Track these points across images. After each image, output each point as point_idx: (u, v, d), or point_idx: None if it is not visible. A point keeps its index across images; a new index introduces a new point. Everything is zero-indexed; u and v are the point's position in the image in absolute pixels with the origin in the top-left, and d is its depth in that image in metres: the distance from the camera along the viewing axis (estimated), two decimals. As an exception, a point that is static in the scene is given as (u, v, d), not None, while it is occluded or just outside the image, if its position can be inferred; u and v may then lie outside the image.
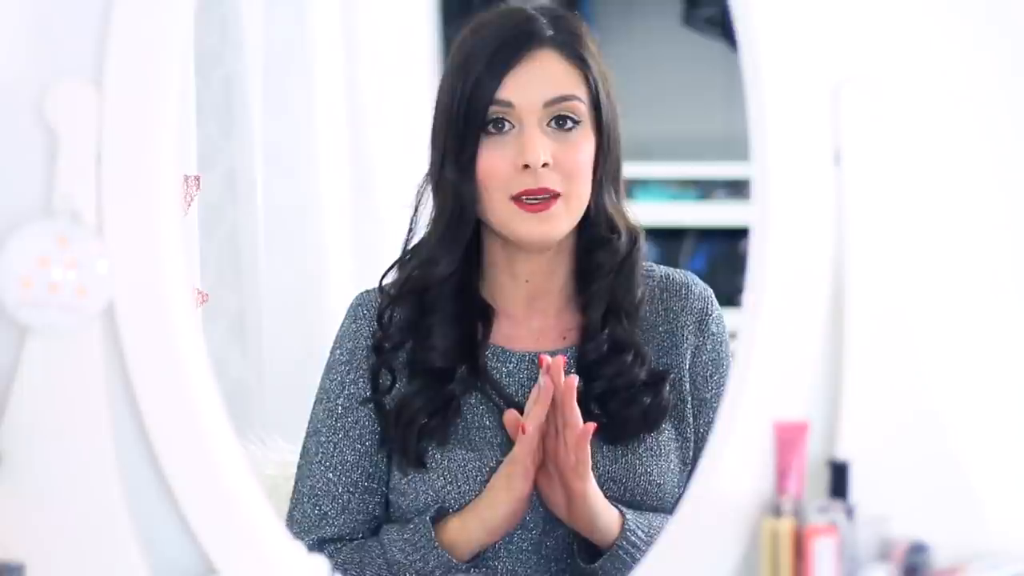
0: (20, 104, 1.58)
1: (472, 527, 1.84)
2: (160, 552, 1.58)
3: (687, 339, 1.95)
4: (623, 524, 1.83)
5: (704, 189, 4.13)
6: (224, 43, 2.65)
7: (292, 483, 1.97)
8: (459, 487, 1.86)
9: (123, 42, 1.56)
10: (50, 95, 1.57)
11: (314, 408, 1.96)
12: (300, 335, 2.76)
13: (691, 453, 1.92)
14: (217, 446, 1.59)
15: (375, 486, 1.92)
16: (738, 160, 3.51)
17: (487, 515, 1.83)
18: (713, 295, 1.98)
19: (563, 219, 1.87)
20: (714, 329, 1.96)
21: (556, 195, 1.85)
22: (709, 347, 1.95)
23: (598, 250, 1.91)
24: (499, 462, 1.85)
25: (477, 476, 1.86)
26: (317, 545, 1.89)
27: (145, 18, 1.56)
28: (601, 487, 1.84)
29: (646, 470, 1.88)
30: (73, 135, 1.56)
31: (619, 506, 1.85)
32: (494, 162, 1.85)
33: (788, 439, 1.52)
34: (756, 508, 1.54)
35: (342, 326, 1.97)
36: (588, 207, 1.89)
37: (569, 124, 1.86)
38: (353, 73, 2.84)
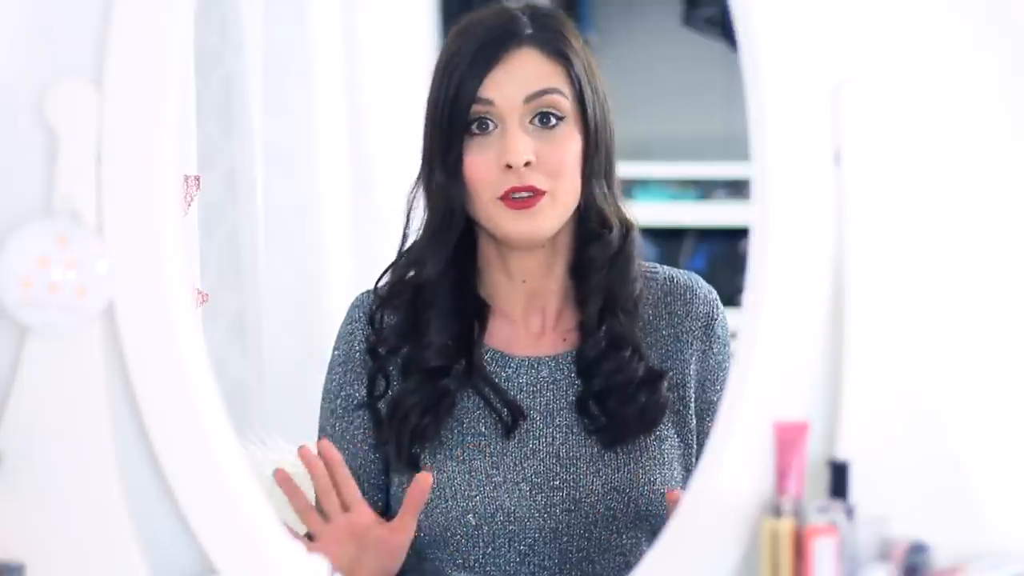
0: (20, 104, 1.58)
1: None
2: (160, 552, 1.58)
3: (692, 344, 1.94)
4: None
5: (704, 189, 4.13)
6: (224, 43, 2.65)
7: (292, 483, 1.98)
8: (447, 502, 1.86)
9: (123, 42, 1.56)
10: (50, 95, 1.57)
11: (320, 407, 1.97)
12: (300, 335, 2.76)
13: (694, 459, 1.92)
14: (217, 446, 1.59)
15: (371, 489, 1.92)
16: (738, 160, 3.51)
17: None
18: (718, 297, 1.97)
19: (550, 215, 1.86)
20: (720, 333, 1.96)
21: (542, 192, 1.85)
22: (716, 351, 1.95)
23: (590, 245, 1.91)
24: (488, 474, 1.86)
25: (465, 490, 1.86)
26: None
27: (145, 18, 1.56)
28: (604, 497, 1.84)
29: (650, 480, 1.88)
30: (73, 135, 1.56)
31: None
32: (479, 164, 1.86)
33: (788, 439, 1.52)
34: (756, 508, 1.54)
35: (340, 328, 1.98)
36: (579, 203, 1.89)
37: (552, 121, 1.86)
38: (353, 73, 2.84)
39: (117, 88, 1.56)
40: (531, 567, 1.86)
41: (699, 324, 1.95)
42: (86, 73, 1.57)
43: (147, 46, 1.56)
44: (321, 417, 1.97)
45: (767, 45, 1.55)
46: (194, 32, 1.92)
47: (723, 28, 3.77)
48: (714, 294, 1.97)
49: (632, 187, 3.93)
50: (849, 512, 1.50)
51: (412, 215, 1.94)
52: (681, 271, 1.99)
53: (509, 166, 1.84)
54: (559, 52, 1.88)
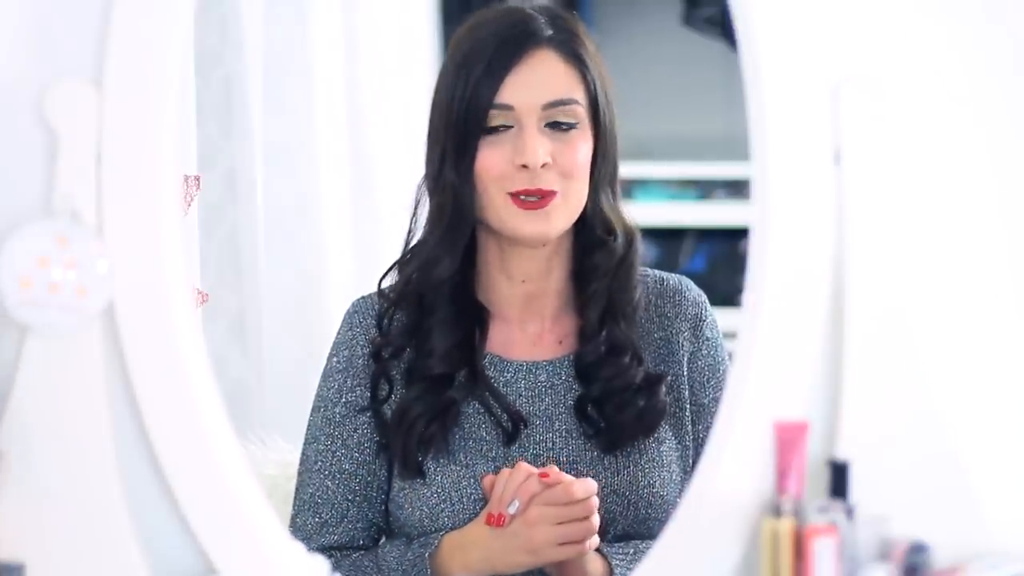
0: (20, 104, 1.58)
1: (459, 556, 1.84)
2: (160, 552, 1.58)
3: (683, 345, 1.94)
4: (607, 559, 1.83)
5: (704, 189, 4.13)
6: (224, 43, 2.65)
7: (292, 483, 1.97)
8: (453, 505, 1.86)
9: (123, 42, 1.56)
10: (50, 95, 1.57)
11: (312, 416, 1.95)
12: (300, 335, 2.76)
13: (691, 461, 1.92)
14: (217, 446, 1.59)
15: (374, 494, 1.92)
16: (738, 160, 3.51)
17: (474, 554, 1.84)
18: (707, 300, 1.97)
19: (561, 216, 1.86)
20: (709, 334, 1.95)
21: (553, 193, 1.84)
22: (705, 352, 1.95)
23: (595, 252, 1.91)
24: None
25: (471, 493, 1.86)
26: (319, 552, 1.88)
27: (145, 18, 1.56)
28: (604, 500, 1.83)
29: (649, 482, 1.88)
30: (73, 135, 1.56)
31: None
32: (492, 160, 1.85)
33: (788, 439, 1.52)
34: (756, 508, 1.54)
35: (338, 333, 1.96)
36: (585, 208, 1.89)
37: (567, 125, 1.86)
38: (353, 73, 2.84)
39: (117, 88, 1.56)
40: (533, 569, 1.86)
41: (687, 325, 1.94)
42: (86, 73, 1.57)
43: (147, 46, 1.56)
44: (313, 426, 1.94)
45: (767, 45, 1.55)
46: (194, 32, 1.92)
47: (723, 28, 3.77)
48: (703, 297, 1.97)
49: (632, 187, 3.93)
50: (849, 512, 1.50)
51: (419, 211, 1.93)
52: (671, 275, 1.98)
53: (525, 166, 1.83)
54: (577, 56, 1.87)
